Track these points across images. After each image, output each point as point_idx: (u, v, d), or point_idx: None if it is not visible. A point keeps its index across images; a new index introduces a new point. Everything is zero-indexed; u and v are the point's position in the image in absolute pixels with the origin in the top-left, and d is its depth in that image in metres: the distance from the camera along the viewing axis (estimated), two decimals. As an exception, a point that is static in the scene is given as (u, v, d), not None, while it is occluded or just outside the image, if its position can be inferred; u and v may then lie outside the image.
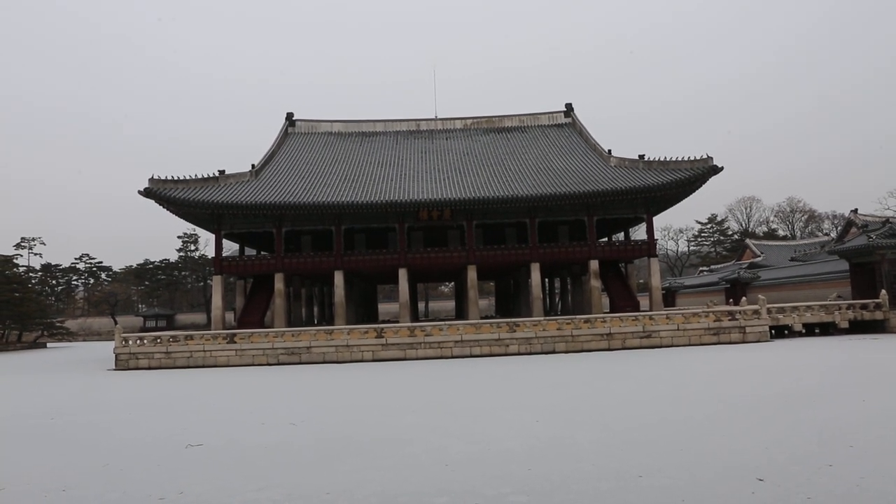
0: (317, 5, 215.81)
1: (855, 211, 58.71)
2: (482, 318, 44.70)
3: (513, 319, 35.57)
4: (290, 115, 54.28)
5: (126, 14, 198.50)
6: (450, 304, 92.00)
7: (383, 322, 49.86)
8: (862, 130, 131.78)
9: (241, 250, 47.96)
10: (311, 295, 57.07)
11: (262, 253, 48.61)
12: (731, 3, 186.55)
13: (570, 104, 55.29)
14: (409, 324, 35.64)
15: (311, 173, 45.50)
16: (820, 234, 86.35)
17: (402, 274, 42.51)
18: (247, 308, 44.00)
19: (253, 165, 44.53)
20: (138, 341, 33.88)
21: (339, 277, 42.33)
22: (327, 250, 43.58)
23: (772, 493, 7.79)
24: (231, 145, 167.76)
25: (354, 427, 13.72)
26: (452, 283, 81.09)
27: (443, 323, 35.57)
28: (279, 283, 41.99)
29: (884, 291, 37.18)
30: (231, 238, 46.39)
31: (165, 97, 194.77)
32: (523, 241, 44.32)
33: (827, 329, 36.86)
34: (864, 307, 37.01)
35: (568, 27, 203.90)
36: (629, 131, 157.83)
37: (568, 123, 54.33)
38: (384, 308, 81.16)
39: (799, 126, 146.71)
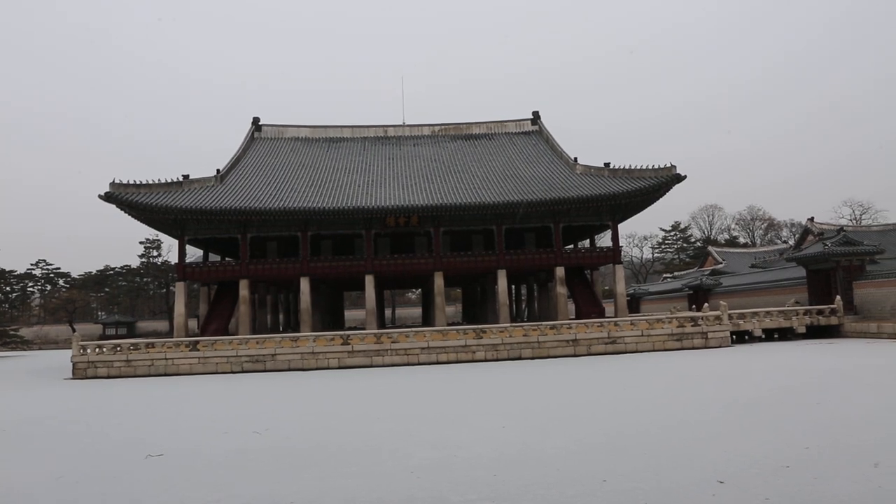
0: (304, 12, 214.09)
1: (812, 219, 60.37)
2: (449, 324, 44.69)
3: (479, 326, 35.63)
4: (256, 120, 53.72)
5: (117, 16, 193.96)
6: (417, 311, 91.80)
7: (350, 329, 49.52)
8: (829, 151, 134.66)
9: (206, 256, 47.24)
10: (277, 302, 56.42)
11: (227, 259, 47.93)
12: (702, 25, 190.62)
13: (537, 112, 55.77)
14: (376, 331, 35.45)
15: (278, 179, 45.06)
16: (779, 241, 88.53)
17: (369, 280, 42.30)
18: (210, 315, 43.29)
19: (218, 170, 43.90)
20: (97, 349, 33.04)
21: (305, 284, 41.93)
22: (293, 256, 43.14)
23: (731, 495, 7.92)
24: (198, 148, 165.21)
25: (320, 435, 13.57)
26: (419, 290, 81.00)
27: (409, 329, 35.46)
28: (244, 290, 41.41)
29: (838, 297, 38.18)
30: (195, 244, 45.65)
31: (145, 97, 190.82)
32: (490, 247, 44.48)
33: (785, 334, 37.69)
34: (820, 313, 37.96)
35: (550, 40, 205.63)
36: (605, 141, 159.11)
37: (535, 131, 54.78)
38: (351, 315, 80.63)
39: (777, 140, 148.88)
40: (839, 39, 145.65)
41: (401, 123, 56.08)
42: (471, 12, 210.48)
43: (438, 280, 42.70)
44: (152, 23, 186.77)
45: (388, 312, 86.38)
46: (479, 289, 60.19)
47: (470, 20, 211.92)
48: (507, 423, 14.00)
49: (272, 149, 51.25)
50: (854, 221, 77.91)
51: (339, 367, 32.03)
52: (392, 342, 33.05)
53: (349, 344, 32.88)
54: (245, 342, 33.11)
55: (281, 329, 53.93)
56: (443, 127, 55.64)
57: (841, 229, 46.79)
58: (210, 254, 47.44)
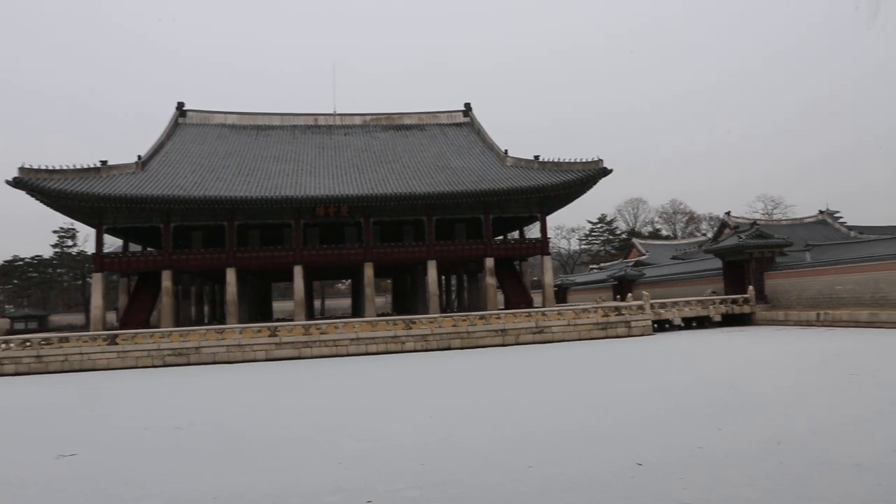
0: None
1: (728, 213, 63.22)
2: (379, 315, 44.57)
3: (409, 317, 35.68)
4: (180, 105, 51.79)
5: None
6: (347, 302, 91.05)
7: (277, 321, 48.67)
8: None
9: (125, 246, 45.37)
10: (202, 293, 54.81)
11: (149, 249, 46.22)
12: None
13: (469, 104, 56.06)
14: (304, 322, 34.97)
15: (203, 166, 43.67)
16: (698, 234, 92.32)
17: (298, 271, 41.66)
18: (130, 307, 41.65)
19: (139, 157, 42.16)
20: (3, 345, 31.23)
21: (231, 275, 40.89)
22: (219, 246, 41.99)
23: (649, 476, 8.25)
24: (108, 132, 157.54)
25: (245, 429, 13.30)
26: (350, 281, 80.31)
27: (339, 321, 35.15)
28: (166, 281, 40.04)
29: (751, 287, 40.19)
30: (114, 233, 43.76)
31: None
32: (420, 238, 44.56)
33: (703, 322, 39.40)
34: (734, 302, 39.87)
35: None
36: (546, 137, 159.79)
37: (466, 123, 55.08)
38: (279, 306, 79.19)
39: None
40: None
41: (332, 112, 55.32)
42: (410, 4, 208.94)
43: (368, 271, 42.49)
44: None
45: (317, 304, 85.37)
46: (409, 279, 60.26)
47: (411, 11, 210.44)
48: (435, 413, 14.10)
49: (198, 135, 49.61)
50: (766, 216, 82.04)
51: (267, 360, 31.44)
52: (321, 333, 32.68)
53: (277, 336, 32.31)
54: (167, 335, 32.02)
55: (206, 321, 52.45)
56: (375, 117, 55.23)
57: (754, 223, 49.27)
58: (130, 243, 45.56)
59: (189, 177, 41.15)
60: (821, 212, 59.78)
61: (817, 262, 39.01)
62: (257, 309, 58.25)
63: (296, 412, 15.28)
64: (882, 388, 14.19)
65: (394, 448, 10.72)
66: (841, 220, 57.83)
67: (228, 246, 40.85)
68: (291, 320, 40.81)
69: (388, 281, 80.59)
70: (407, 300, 61.37)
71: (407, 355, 31.08)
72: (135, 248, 45.82)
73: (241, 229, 42.28)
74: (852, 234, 53.70)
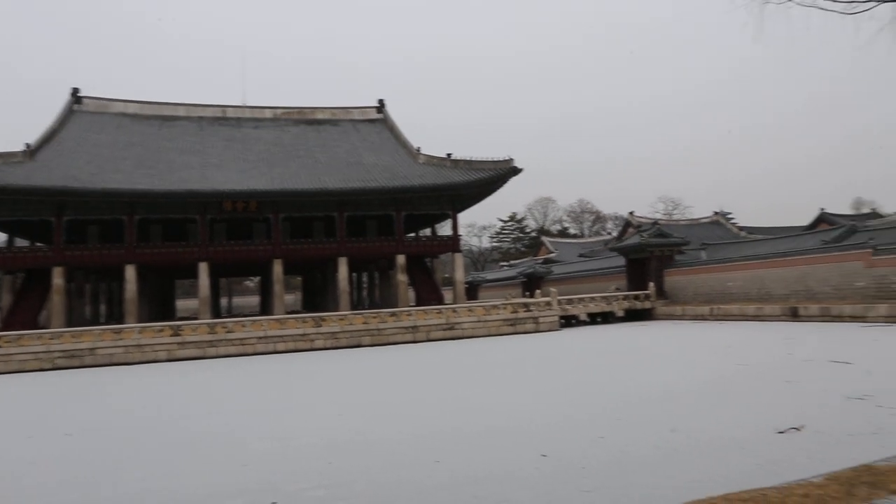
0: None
1: (632, 213, 66.08)
2: (289, 313, 43.70)
3: (319, 314, 35.20)
4: (75, 91, 48.67)
5: None
6: (255, 300, 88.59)
7: (181, 319, 46.81)
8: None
9: (10, 241, 42.32)
10: (98, 291, 51.98)
11: (38, 244, 43.29)
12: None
13: (383, 100, 55.79)
14: (210, 321, 33.83)
15: (101, 157, 41.34)
16: (604, 233, 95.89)
17: (203, 268, 40.23)
18: (16, 307, 38.91)
19: (28, 145, 39.42)
20: None
21: (130, 272, 38.97)
22: (118, 242, 39.89)
23: (553, 466, 8.52)
24: None
25: (144, 432, 12.75)
26: (259, 278, 78.23)
27: (246, 319, 34.26)
28: (58, 278, 37.66)
29: (652, 284, 42.15)
30: (-2, 227, 40.77)
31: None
32: (331, 235, 43.97)
33: (607, 318, 40.97)
34: (636, 298, 41.70)
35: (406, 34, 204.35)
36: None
37: (380, 119, 54.76)
38: (183, 304, 76.17)
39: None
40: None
41: (241, 104, 53.65)
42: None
43: (277, 267, 41.58)
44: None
45: (224, 302, 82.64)
46: (320, 277, 59.32)
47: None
48: (343, 411, 14.00)
49: (94, 124, 46.86)
50: (667, 216, 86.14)
51: (169, 360, 30.19)
52: (227, 332, 31.72)
53: (180, 335, 31.08)
54: (58, 336, 30.15)
55: (103, 321, 49.73)
56: (286, 110, 53.92)
57: (655, 223, 51.65)
58: (17, 238, 42.55)
59: (85, 168, 38.88)
60: (715, 213, 63.40)
61: (711, 261, 41.39)
62: (159, 308, 55.71)
63: (198, 414, 14.77)
64: (762, 377, 15.21)
65: (300, 447, 10.56)
66: (733, 221, 61.58)
67: (128, 241, 38.92)
68: (196, 319, 39.35)
69: (299, 278, 79.04)
70: (318, 297, 60.43)
71: (317, 353, 30.68)
72: (22, 242, 42.85)
73: (142, 224, 40.30)
74: (742, 234, 57.28)
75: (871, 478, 5.35)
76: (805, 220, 59.59)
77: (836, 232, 38.32)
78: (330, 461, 9.48)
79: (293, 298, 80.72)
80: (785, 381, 14.10)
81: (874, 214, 60.46)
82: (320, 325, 32.98)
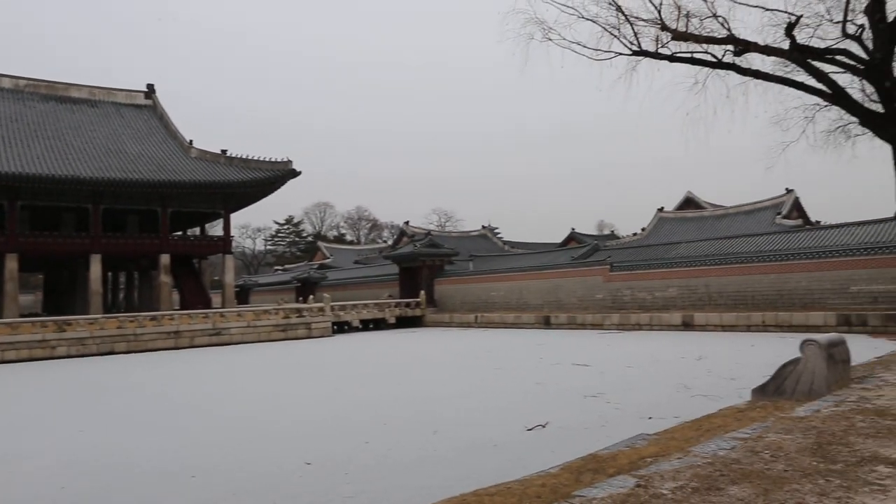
0: None
1: (407, 223, 68.28)
2: (25, 315, 38.29)
3: (63, 318, 31.32)
4: None
5: None
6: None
7: None
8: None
9: None
10: None
11: None
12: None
13: (152, 85, 51.31)
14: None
15: None
16: (380, 241, 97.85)
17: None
18: None
19: None
20: None
21: None
22: None
23: (317, 473, 8.48)
24: None
25: None
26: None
27: (-34, 322, 29.29)
28: None
29: (423, 292, 43.94)
30: None
31: None
32: (83, 228, 39.24)
33: (379, 324, 41.81)
34: (408, 305, 43.15)
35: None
36: None
37: (148, 106, 50.28)
38: None
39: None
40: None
41: (-31, 70, 45.85)
42: None
43: (11, 263, 36.15)
44: None
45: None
46: (67, 275, 52.76)
47: None
48: (86, 425, 12.61)
49: None
50: (440, 228, 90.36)
51: None
52: (-61, 337, 26.87)
53: None
54: None
55: None
56: (31, 82, 46.90)
57: (428, 233, 53.97)
58: None
59: None
60: (483, 227, 67.89)
61: (477, 272, 44.28)
62: None
63: None
64: (517, 379, 16.60)
65: (31, 470, 9.29)
66: (499, 235, 66.42)
67: None
68: None
69: (40, 276, 69.58)
70: (64, 298, 53.58)
71: (58, 362, 27.34)
72: None
73: None
74: (506, 247, 62.06)
75: (595, 465, 6.10)
76: (560, 237, 66.44)
77: (582, 249, 43.22)
78: (63, 486, 8.45)
79: (32, 299, 71.00)
80: (535, 383, 15.53)
81: (613, 236, 69.56)
82: (65, 330, 29.32)
